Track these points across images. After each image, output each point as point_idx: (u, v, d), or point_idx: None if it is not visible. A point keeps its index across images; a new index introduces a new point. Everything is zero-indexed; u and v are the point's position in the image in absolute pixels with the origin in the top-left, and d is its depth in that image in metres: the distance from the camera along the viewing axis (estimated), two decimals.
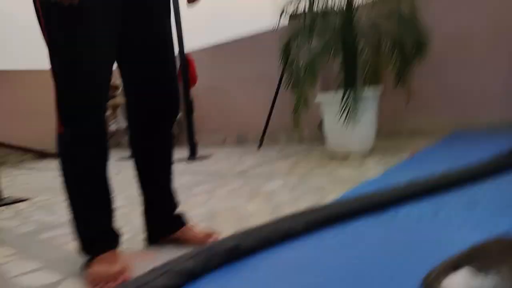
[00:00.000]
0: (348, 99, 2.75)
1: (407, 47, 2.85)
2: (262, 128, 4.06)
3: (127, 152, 2.17)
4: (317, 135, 3.76)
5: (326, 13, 3.15)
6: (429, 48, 2.83)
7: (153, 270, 1.01)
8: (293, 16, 3.36)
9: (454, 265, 0.93)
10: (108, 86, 1.20)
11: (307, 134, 3.99)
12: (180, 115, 2.47)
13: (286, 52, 3.19)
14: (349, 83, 2.90)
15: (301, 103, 3.04)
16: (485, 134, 2.97)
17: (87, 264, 1.16)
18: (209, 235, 1.30)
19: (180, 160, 3.71)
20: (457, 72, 3.24)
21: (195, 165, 3.46)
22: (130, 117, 1.37)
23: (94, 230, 1.20)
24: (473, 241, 0.84)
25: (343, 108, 2.76)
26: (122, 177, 2.40)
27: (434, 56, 3.03)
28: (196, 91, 4.43)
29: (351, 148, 2.92)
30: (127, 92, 1.34)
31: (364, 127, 2.86)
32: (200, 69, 4.46)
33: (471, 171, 1.76)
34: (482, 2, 3.09)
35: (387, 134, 3.61)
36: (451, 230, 1.21)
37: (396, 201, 1.53)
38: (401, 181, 1.72)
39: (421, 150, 2.69)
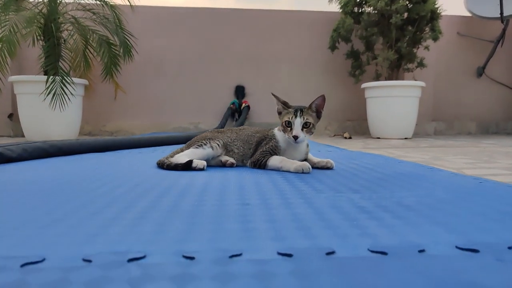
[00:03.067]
0: (54, 84, 2.57)
1: (115, 48, 3.02)
2: None
3: None
4: (8, 125, 3.29)
5: None
6: (134, 56, 3.12)
7: None
8: None
9: (178, 152, 1.14)
10: None
11: None
12: None
13: None
14: (53, 68, 2.72)
15: None
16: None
17: None
18: None
19: None
20: (155, 84, 3.72)
21: None
22: None
23: None
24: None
25: (49, 93, 2.54)
26: None
27: (138, 68, 3.42)
28: None
29: (56, 134, 2.71)
30: None
31: (70, 115, 2.75)
32: None
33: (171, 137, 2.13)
34: (174, 35, 3.76)
35: (91, 132, 3.61)
36: (157, 155, 1.44)
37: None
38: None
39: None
